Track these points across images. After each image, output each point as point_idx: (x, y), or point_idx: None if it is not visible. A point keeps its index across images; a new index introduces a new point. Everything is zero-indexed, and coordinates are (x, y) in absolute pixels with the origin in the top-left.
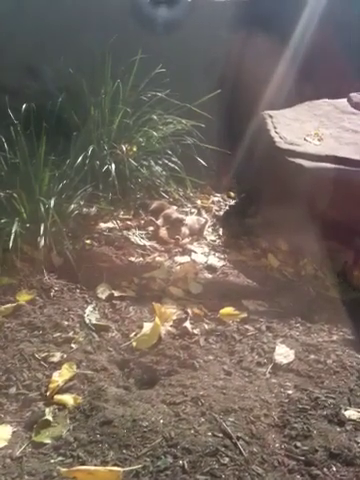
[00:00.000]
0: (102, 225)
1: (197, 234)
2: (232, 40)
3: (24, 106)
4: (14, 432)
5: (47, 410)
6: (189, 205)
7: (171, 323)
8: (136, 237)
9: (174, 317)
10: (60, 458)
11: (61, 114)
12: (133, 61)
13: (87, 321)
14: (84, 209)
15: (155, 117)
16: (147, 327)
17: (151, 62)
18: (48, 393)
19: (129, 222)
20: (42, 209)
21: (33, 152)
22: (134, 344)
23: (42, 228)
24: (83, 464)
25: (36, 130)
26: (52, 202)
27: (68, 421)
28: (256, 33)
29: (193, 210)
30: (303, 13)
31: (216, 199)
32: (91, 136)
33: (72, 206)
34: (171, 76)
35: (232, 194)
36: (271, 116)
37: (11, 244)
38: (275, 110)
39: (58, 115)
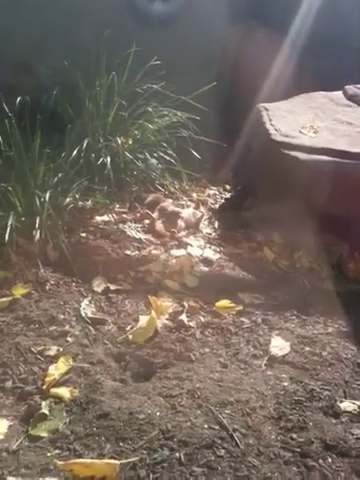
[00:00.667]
0: (98, 218)
1: (193, 227)
2: (228, 33)
3: (18, 100)
4: (10, 426)
5: (43, 403)
6: (185, 198)
7: (167, 316)
8: (132, 230)
9: (170, 310)
10: (57, 451)
11: (56, 107)
12: (128, 54)
13: (83, 314)
14: (79, 202)
15: (150, 109)
16: (143, 320)
17: (146, 55)
18: (44, 386)
19: (125, 215)
20: (37, 202)
21: (28, 146)
22: (130, 337)
23: (37, 221)
24: (80, 457)
25: (31, 124)
26: (47, 195)
27: (64, 414)
28: (252, 26)
29: (189, 203)
30: (300, 6)
31: (212, 192)
32: (86, 129)
33: (67, 199)
34: (166, 68)
35: (228, 187)
36: (266, 109)
37: (7, 238)
38: (271, 103)
39: (53, 108)
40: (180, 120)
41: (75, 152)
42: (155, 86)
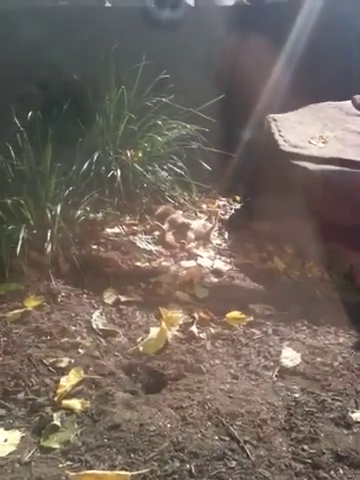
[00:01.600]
0: (108, 230)
1: (203, 238)
2: (235, 44)
3: (30, 114)
4: (23, 437)
5: (55, 415)
6: (195, 209)
7: (178, 327)
8: (142, 242)
9: (180, 321)
10: (68, 462)
11: (66, 121)
12: (137, 67)
13: (94, 326)
14: (90, 215)
15: (160, 122)
16: (154, 332)
17: (155, 68)
18: (56, 398)
19: (135, 227)
20: (49, 215)
21: (39, 159)
22: (141, 349)
23: (49, 234)
24: (91, 468)
25: (42, 137)
26: (58, 208)
27: (76, 426)
28: (258, 38)
29: (199, 214)
30: (303, 17)
31: (221, 203)
32: (96, 142)
33: (78, 212)
34: (175, 81)
35: (238, 198)
36: (275, 119)
37: (19, 250)
38: (279, 114)
39: (63, 122)
40: (189, 132)
41: (86, 165)
42: (164, 99)
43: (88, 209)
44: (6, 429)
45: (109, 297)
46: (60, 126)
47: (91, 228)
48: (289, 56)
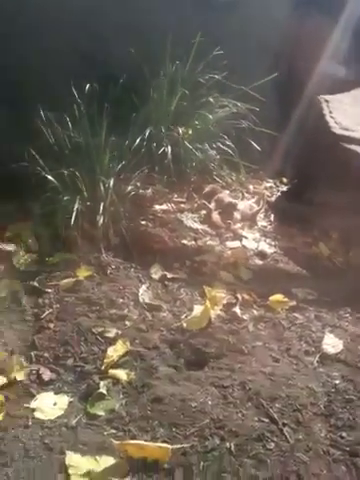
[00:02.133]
0: (157, 207)
1: (249, 219)
2: (289, 22)
3: (87, 87)
4: (70, 402)
5: (102, 383)
6: (242, 190)
7: (221, 307)
8: (189, 220)
9: (224, 301)
10: (112, 431)
11: (122, 96)
12: (192, 43)
13: (141, 300)
14: (140, 190)
15: (211, 100)
16: (197, 309)
17: (209, 44)
18: (103, 367)
19: (182, 205)
20: (102, 188)
21: (95, 132)
22: (184, 325)
23: (101, 207)
24: (134, 438)
25: (98, 111)
26: (111, 182)
27: (121, 395)
28: (313, 15)
29: (246, 195)
30: None
31: (269, 184)
32: (149, 118)
33: (129, 187)
34: (228, 59)
35: (285, 180)
36: (327, 101)
37: (73, 221)
38: (332, 94)
39: (119, 97)
40: (240, 111)
41: (138, 141)
42: (217, 76)
43: (138, 184)
44: (55, 393)
45: (156, 272)
46: (116, 100)
47: (140, 204)
48: (345, 36)
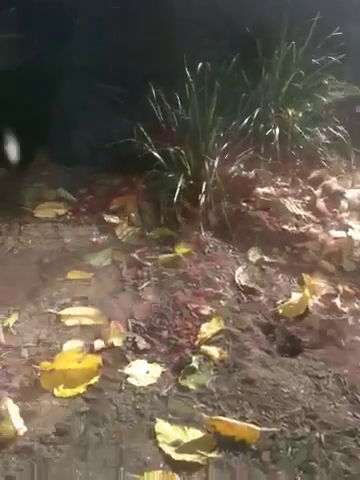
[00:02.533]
0: (259, 190)
1: (357, 210)
2: None
3: (200, 65)
4: (163, 372)
5: (194, 358)
6: (351, 178)
7: (319, 297)
8: (292, 205)
9: (323, 292)
10: (202, 405)
11: (233, 75)
12: (309, 23)
13: (237, 281)
14: (243, 172)
15: (326, 82)
16: (295, 297)
17: (327, 25)
18: (196, 342)
19: (286, 189)
20: (206, 167)
21: (203, 111)
22: (280, 311)
23: (204, 186)
24: (223, 416)
25: (208, 89)
26: (216, 161)
27: (212, 372)
28: None
29: (356, 184)
30: None
31: None
32: (259, 99)
33: (233, 168)
34: (347, 40)
35: None
36: None
37: (175, 199)
38: None
39: (230, 76)
40: (356, 95)
41: (246, 121)
42: (333, 58)
43: (242, 166)
44: (149, 362)
45: (254, 255)
46: (227, 80)
47: (243, 185)
48: None
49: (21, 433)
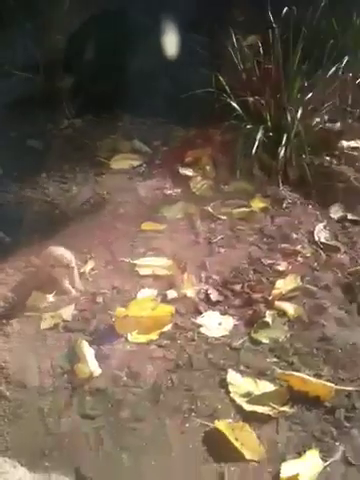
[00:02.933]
0: (344, 143)
1: None
2: None
3: (285, 10)
4: (235, 325)
5: (268, 313)
6: None
7: None
8: None
9: None
10: (275, 359)
11: (321, 21)
12: None
13: (316, 238)
14: (328, 124)
15: None
16: None
17: None
18: (270, 298)
19: None
20: (288, 118)
21: (287, 59)
22: None
23: (284, 138)
24: (297, 371)
25: (294, 36)
26: (299, 112)
27: (286, 328)
28: None
29: None
30: None
31: None
32: (348, 46)
33: (316, 119)
34: None
35: None
36: None
37: (253, 151)
38: None
39: (317, 22)
40: None
41: (333, 69)
42: None
43: (326, 117)
44: (221, 314)
45: (335, 212)
46: (313, 26)
47: (327, 138)
48: None
49: (96, 375)
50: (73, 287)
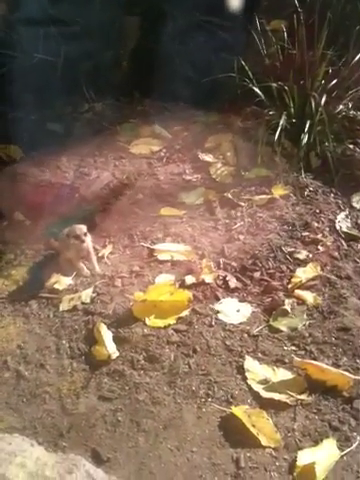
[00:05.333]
0: None
1: None
2: None
3: None
4: (253, 312)
5: (286, 301)
6: None
7: None
8: None
9: None
10: (293, 348)
11: (346, 6)
12: None
13: (337, 227)
14: (352, 111)
15: None
16: None
17: None
18: (289, 286)
19: None
20: (312, 105)
21: (312, 44)
22: None
23: (307, 125)
24: (315, 360)
25: (319, 21)
26: (323, 99)
27: (305, 317)
28: None
29: None
30: None
31: None
32: None
33: (341, 106)
34: None
35: None
36: None
37: (276, 137)
38: None
39: (343, 7)
40: None
41: (358, 56)
42: None
43: (350, 105)
44: (240, 301)
45: (358, 201)
46: (340, 10)
47: (350, 126)
48: None
49: (114, 357)
50: (92, 270)
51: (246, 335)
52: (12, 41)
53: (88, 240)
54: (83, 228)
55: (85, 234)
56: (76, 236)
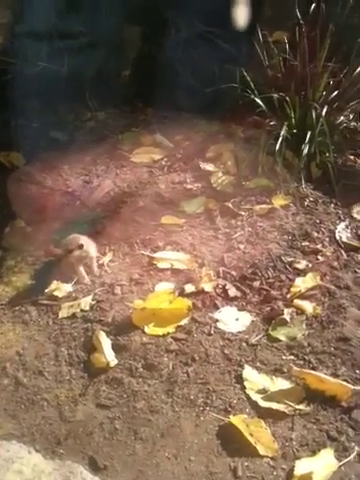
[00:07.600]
0: None
1: None
2: None
3: (313, 7)
4: (252, 321)
5: (286, 311)
6: None
7: None
8: None
9: None
10: (292, 357)
11: (349, 17)
12: None
13: (337, 237)
14: (353, 123)
15: None
16: None
17: None
18: (289, 296)
19: None
20: (313, 116)
21: (313, 56)
22: None
23: (308, 136)
24: (314, 370)
25: (321, 33)
26: (324, 110)
27: (304, 326)
28: None
29: None
30: None
31: None
32: None
33: (341, 117)
34: None
35: None
36: None
37: (277, 148)
38: None
39: (346, 19)
40: None
41: (359, 68)
42: None
43: (351, 117)
44: (239, 310)
45: (358, 212)
46: (341, 22)
47: (351, 137)
48: None
49: (112, 365)
50: (91, 276)
51: (245, 344)
52: (16, 50)
53: (92, 249)
54: (82, 239)
55: (81, 246)
56: (80, 246)
